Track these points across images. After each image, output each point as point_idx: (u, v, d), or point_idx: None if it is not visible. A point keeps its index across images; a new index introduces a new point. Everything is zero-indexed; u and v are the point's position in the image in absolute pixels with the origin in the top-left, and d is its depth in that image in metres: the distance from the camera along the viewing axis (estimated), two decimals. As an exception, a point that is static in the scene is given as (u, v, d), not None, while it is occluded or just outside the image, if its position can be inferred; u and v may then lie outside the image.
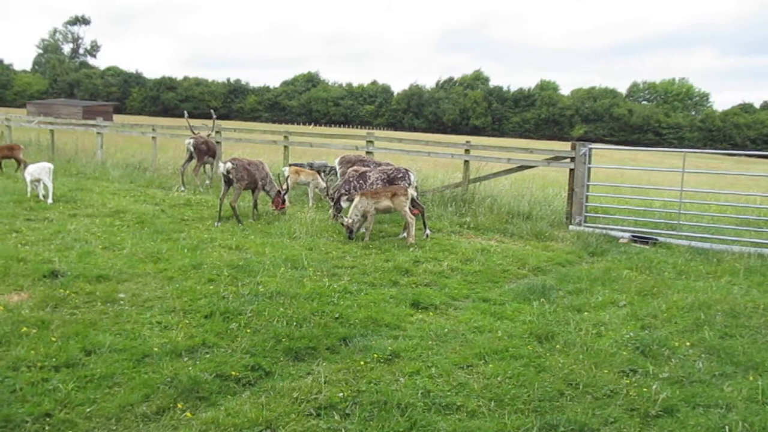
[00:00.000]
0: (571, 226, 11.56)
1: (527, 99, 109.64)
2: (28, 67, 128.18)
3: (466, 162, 13.57)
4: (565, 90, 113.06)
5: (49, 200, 11.66)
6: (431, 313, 6.61)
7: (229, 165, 11.05)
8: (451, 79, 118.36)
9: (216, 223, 10.60)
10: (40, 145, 21.75)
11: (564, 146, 14.73)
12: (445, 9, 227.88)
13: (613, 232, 11.08)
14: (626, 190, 14.65)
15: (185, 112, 17.04)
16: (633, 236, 10.83)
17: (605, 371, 5.11)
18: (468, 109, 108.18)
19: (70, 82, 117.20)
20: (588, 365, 5.20)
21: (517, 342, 5.74)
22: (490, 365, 5.20)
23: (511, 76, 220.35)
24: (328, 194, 11.92)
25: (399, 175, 11.21)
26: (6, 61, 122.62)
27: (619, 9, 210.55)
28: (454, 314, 6.63)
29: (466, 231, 11.22)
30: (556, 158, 12.58)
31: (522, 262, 9.01)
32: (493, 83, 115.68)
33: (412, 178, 11.27)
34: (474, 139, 19.21)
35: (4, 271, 6.91)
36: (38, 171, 11.86)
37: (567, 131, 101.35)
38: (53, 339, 5.13)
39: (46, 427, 3.93)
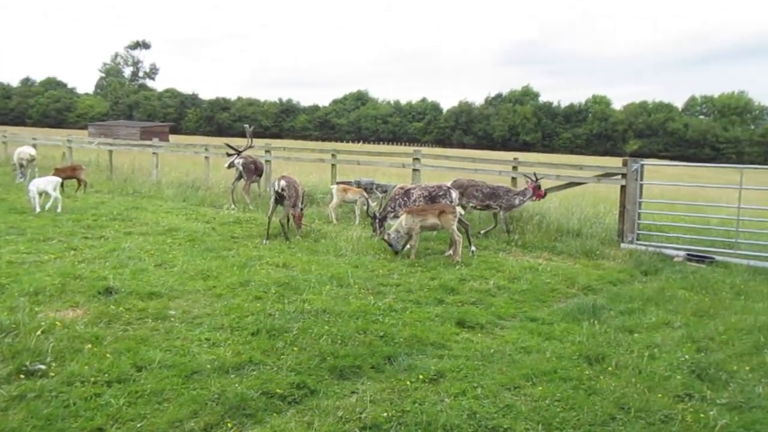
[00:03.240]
0: (622, 244, 11.24)
1: (578, 114, 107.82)
2: (91, 90, 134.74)
3: (514, 179, 13.41)
4: (617, 104, 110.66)
5: (58, 209, 12.76)
6: (477, 333, 6.51)
7: (283, 183, 11.21)
8: (500, 95, 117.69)
9: (264, 241, 10.78)
10: (99, 166, 22.67)
11: (616, 162, 14.39)
12: (494, 25, 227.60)
13: (667, 251, 10.71)
14: (681, 207, 14.16)
15: (246, 126, 17.43)
16: (688, 255, 10.44)
17: (659, 395, 4.91)
18: (517, 125, 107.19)
19: (129, 104, 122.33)
20: (641, 389, 5.01)
21: (566, 363, 5.58)
22: (539, 387, 5.07)
23: (562, 92, 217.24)
24: (368, 213, 12.06)
25: (441, 193, 11.20)
26: (70, 85, 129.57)
27: (675, 22, 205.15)
28: (501, 334, 6.52)
29: (514, 248, 11.05)
30: (607, 175, 12.29)
31: (571, 280, 8.80)
32: (543, 99, 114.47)
33: (453, 195, 11.23)
34: (523, 156, 19.00)
35: (61, 287, 7.19)
36: (45, 183, 13.08)
37: (620, 146, 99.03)
38: (106, 355, 5.29)
39: (98, 441, 4.04)
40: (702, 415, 4.58)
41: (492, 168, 14.16)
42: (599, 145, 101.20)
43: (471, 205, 12.14)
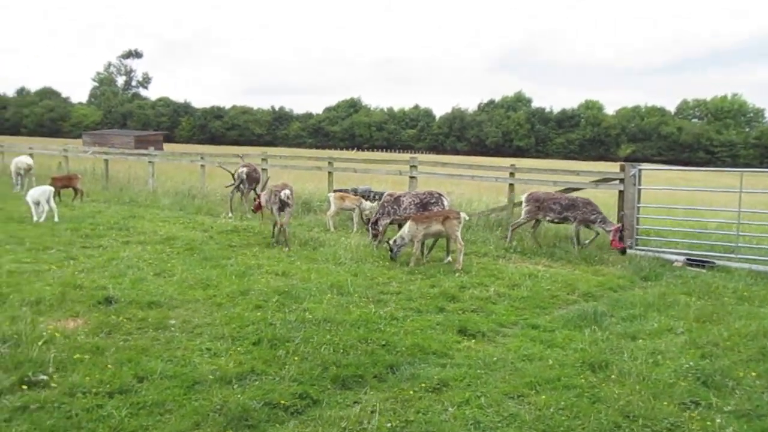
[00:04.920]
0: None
1: (571, 119, 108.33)
2: (85, 99, 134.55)
3: (511, 185, 13.43)
4: (609, 109, 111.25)
5: (56, 218, 12.86)
6: (479, 341, 6.49)
7: (288, 191, 11.31)
8: (492, 102, 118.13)
9: (273, 243, 11.22)
10: (95, 174, 22.60)
11: (611, 167, 14.43)
12: (486, 31, 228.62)
13: (666, 256, 10.72)
14: (679, 212, 14.18)
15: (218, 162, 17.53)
16: (688, 259, 10.45)
17: (664, 403, 4.89)
18: (511, 131, 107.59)
19: (123, 113, 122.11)
20: (645, 396, 4.99)
21: (569, 371, 5.56)
22: (542, 395, 5.04)
23: (554, 97, 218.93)
24: (364, 219, 12.12)
25: (432, 200, 11.17)
26: (64, 94, 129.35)
27: (663, 27, 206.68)
28: (503, 341, 6.50)
29: (513, 255, 11.04)
30: (605, 180, 12.32)
31: (571, 287, 8.80)
32: (535, 104, 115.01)
33: (445, 202, 11.21)
34: (518, 162, 19.00)
35: (61, 297, 7.14)
36: (38, 194, 13.05)
37: (613, 151, 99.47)
38: (107, 365, 5.24)
39: (101, 454, 4.00)
40: (709, 423, 4.56)
41: (489, 175, 14.18)
42: (592, 150, 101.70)
43: (548, 218, 11.61)
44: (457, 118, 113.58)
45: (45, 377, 4.91)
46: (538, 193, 11.93)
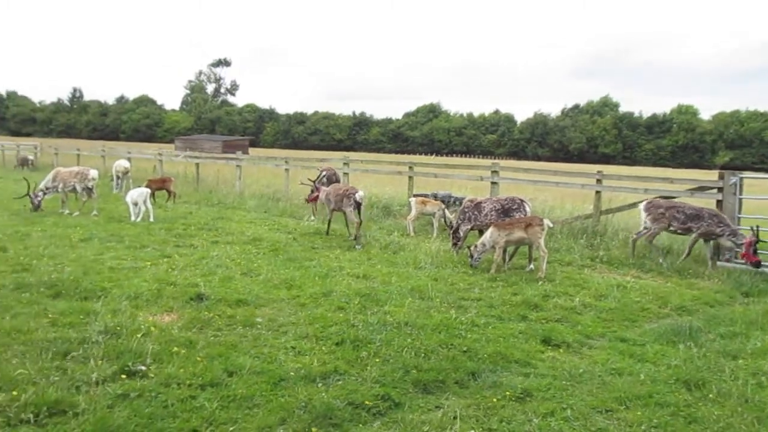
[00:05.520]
0: (719, 263, 10.60)
1: (662, 125, 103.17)
2: (177, 106, 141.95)
3: (598, 192, 12.97)
4: (705, 114, 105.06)
5: (151, 218, 13.70)
6: (564, 351, 6.29)
7: (362, 193, 12.43)
8: (577, 106, 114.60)
9: (350, 237, 12.21)
10: (187, 177, 23.77)
11: (706, 175, 13.66)
12: (570, 35, 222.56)
13: (770, 271, 9.99)
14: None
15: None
16: (794, 275, 9.69)
17: (769, 427, 4.56)
18: (596, 137, 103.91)
19: (212, 119, 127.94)
20: (749, 419, 4.67)
21: (661, 388, 5.29)
22: (633, 412, 4.82)
23: (644, 102, 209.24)
24: (447, 224, 12.22)
25: (514, 206, 10.94)
26: (159, 102, 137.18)
27: (763, 27, 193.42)
28: (589, 353, 6.27)
29: (599, 265, 10.65)
30: (701, 188, 11.66)
31: (663, 300, 8.37)
32: (623, 109, 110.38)
33: (527, 209, 10.95)
34: (605, 168, 18.36)
35: (157, 293, 7.56)
36: (136, 195, 13.96)
37: (709, 159, 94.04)
38: (199, 359, 5.49)
39: (194, 443, 4.18)
40: (820, 451, 4.21)
41: (575, 181, 13.76)
42: (685, 157, 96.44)
43: (671, 228, 10.89)
44: (539, 123, 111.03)
45: (143, 368, 5.20)
46: (659, 201, 11.16)
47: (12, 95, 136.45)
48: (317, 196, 13.89)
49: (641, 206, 11.24)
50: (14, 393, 4.56)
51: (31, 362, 5.20)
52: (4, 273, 8.33)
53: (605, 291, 8.67)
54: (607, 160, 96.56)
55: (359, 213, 12.30)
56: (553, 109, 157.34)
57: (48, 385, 4.73)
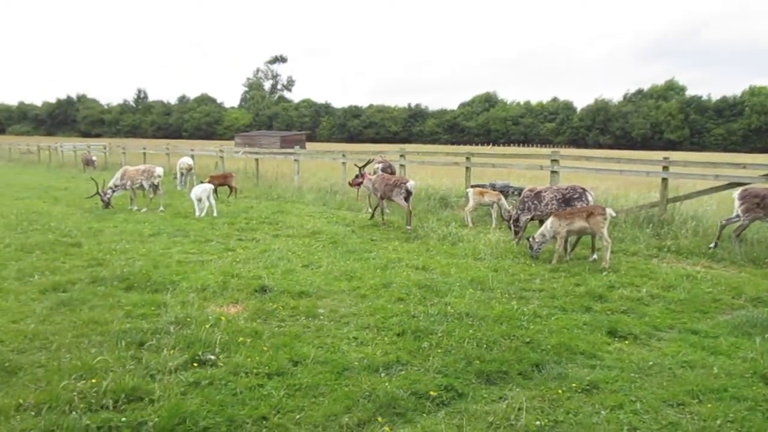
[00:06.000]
0: (797, 251, 10.02)
1: (732, 108, 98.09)
2: (236, 103, 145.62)
3: (664, 180, 12.48)
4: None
5: (215, 213, 14.16)
6: (630, 343, 6.12)
7: (413, 182, 13.08)
8: (640, 91, 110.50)
9: (407, 228, 12.45)
10: (247, 173, 24.34)
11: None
12: (631, 17, 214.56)
13: None
14: None
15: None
16: None
17: None
18: (661, 123, 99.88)
19: (269, 115, 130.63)
20: (834, 415, 4.42)
21: (737, 381, 5.07)
22: (707, 405, 4.65)
23: (712, 85, 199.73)
24: (503, 217, 12.11)
25: (575, 195, 10.66)
26: (218, 100, 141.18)
27: None
28: (657, 345, 6.07)
29: (667, 255, 10.27)
30: (777, 173, 11.04)
31: (737, 291, 8.00)
32: (690, 93, 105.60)
33: (589, 198, 10.64)
34: (672, 155, 17.64)
35: (223, 285, 7.80)
36: (200, 191, 14.48)
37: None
38: (265, 348, 5.64)
39: (263, 430, 4.31)
40: None
41: (639, 169, 13.30)
42: (758, 141, 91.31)
43: None
44: (600, 110, 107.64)
45: (213, 357, 5.39)
46: (756, 189, 10.54)
47: (82, 98, 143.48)
48: (361, 182, 14.34)
49: (736, 194, 10.67)
50: (93, 380, 4.82)
51: (108, 351, 5.48)
52: (80, 267, 8.80)
53: (674, 281, 8.36)
54: (672, 146, 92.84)
55: (409, 202, 12.78)
56: (614, 94, 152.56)
57: (125, 373, 4.97)
